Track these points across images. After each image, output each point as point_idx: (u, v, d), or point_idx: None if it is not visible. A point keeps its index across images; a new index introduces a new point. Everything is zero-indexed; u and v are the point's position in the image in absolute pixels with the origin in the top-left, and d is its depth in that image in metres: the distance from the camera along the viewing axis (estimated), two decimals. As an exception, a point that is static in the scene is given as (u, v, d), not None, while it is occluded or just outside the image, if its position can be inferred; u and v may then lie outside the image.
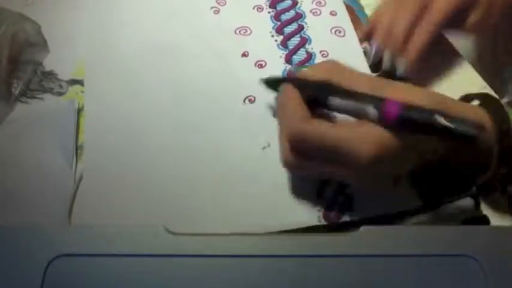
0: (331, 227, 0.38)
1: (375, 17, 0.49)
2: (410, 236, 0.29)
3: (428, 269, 0.28)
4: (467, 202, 0.38)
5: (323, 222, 0.38)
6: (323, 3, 0.55)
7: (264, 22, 0.53)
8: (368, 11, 0.55)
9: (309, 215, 0.39)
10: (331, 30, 0.52)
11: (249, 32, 0.52)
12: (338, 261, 0.28)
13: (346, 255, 0.29)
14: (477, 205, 0.38)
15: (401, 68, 0.44)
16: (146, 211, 0.38)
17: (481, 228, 0.32)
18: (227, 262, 0.28)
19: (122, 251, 0.28)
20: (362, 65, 0.48)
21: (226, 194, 0.40)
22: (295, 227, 0.38)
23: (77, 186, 0.40)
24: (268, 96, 0.44)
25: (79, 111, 0.45)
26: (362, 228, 0.30)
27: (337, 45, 0.51)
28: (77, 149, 0.42)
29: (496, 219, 0.38)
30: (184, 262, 0.28)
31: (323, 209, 0.39)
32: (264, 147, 0.42)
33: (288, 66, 0.49)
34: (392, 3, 0.47)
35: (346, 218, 0.38)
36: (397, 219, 0.38)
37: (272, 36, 0.52)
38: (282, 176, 0.40)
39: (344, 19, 0.53)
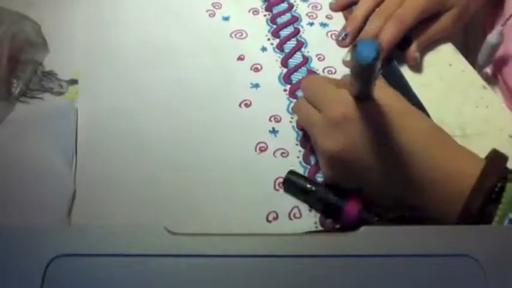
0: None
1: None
2: (410, 236, 0.29)
3: (428, 269, 0.28)
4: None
5: (319, 228, 0.38)
6: (319, 7, 0.55)
7: (260, 25, 0.53)
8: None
9: (306, 220, 0.38)
10: (327, 33, 0.52)
11: (244, 35, 0.52)
12: (338, 261, 0.28)
13: (346, 255, 0.29)
14: None
15: None
16: (145, 210, 0.38)
17: (481, 228, 0.32)
18: (227, 262, 0.28)
19: (122, 251, 0.28)
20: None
21: (223, 197, 0.40)
22: (292, 232, 0.37)
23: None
24: (264, 100, 0.45)
25: (79, 111, 0.45)
26: (362, 228, 0.30)
27: (334, 49, 0.51)
28: (76, 149, 0.42)
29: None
30: (184, 262, 0.28)
31: (319, 215, 0.39)
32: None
33: (284, 70, 0.49)
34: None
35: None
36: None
37: (268, 39, 0.51)
38: (277, 180, 0.40)
39: (340, 23, 0.53)
